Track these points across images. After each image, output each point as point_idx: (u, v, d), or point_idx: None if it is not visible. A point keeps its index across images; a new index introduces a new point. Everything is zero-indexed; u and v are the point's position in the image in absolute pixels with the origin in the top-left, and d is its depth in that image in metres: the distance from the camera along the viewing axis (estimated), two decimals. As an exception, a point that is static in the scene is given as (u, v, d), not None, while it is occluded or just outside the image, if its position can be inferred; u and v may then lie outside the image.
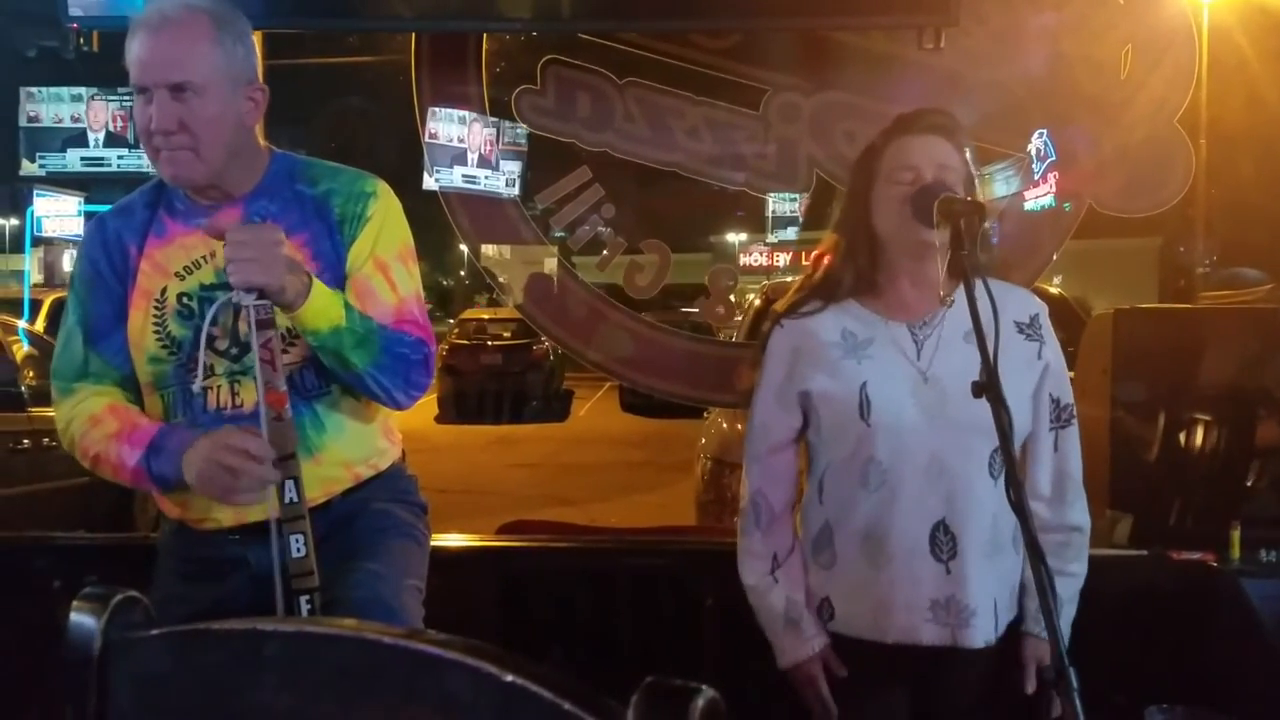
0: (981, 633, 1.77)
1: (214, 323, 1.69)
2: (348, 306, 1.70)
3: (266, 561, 1.65)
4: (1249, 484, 2.92)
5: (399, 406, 1.81)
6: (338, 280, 1.76)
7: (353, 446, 1.82)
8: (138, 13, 1.74)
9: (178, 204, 1.80)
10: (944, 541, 1.75)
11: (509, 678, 0.75)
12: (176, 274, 1.77)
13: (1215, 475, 2.89)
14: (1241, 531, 2.38)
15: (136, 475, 1.72)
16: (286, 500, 1.63)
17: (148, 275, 1.78)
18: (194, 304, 1.76)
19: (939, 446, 1.74)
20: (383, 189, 1.84)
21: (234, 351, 1.75)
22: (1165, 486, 2.94)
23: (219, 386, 1.75)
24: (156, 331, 1.76)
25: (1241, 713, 2.09)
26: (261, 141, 1.84)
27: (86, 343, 1.80)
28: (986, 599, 1.78)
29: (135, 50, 1.69)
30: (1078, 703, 1.33)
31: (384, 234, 1.80)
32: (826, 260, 1.90)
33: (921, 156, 1.77)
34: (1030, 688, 1.81)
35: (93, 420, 1.76)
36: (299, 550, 1.63)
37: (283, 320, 1.67)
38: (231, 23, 1.73)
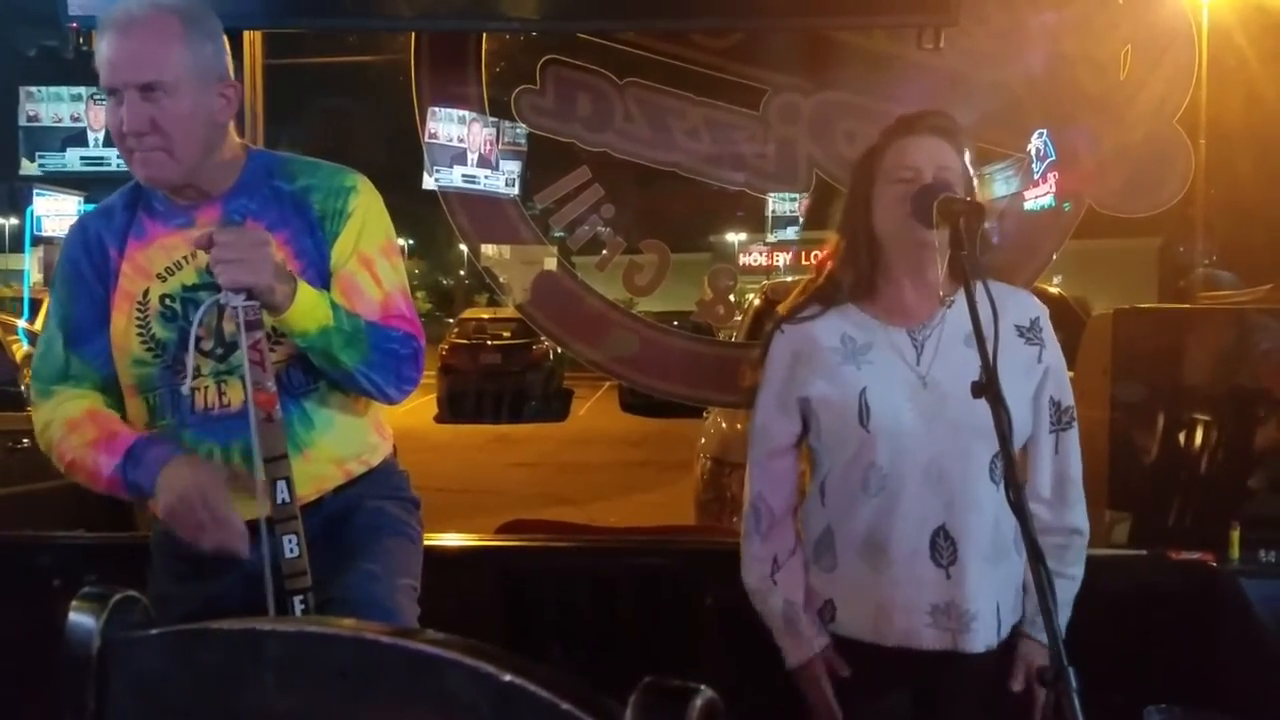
0: (982, 637, 1.78)
1: (199, 324, 1.69)
2: (334, 305, 1.70)
3: (259, 561, 1.65)
4: (1248, 484, 2.91)
5: (391, 402, 1.81)
6: (321, 276, 1.76)
7: (343, 443, 1.82)
8: (105, 14, 1.73)
9: (156, 204, 1.79)
10: (944, 547, 1.75)
11: (507, 677, 0.75)
12: (158, 275, 1.76)
13: (1215, 475, 2.88)
14: (1241, 532, 2.38)
15: (111, 483, 1.71)
16: (278, 501, 1.63)
17: (129, 277, 1.77)
18: (177, 305, 1.75)
19: (939, 451, 1.74)
20: (363, 183, 1.83)
21: (219, 351, 1.74)
22: (1165, 486, 2.94)
23: (206, 387, 1.75)
24: (140, 334, 1.75)
25: (1240, 713, 2.09)
26: (236, 139, 1.83)
27: (67, 345, 1.79)
28: (988, 603, 1.77)
29: (104, 51, 1.69)
30: (1076, 703, 1.32)
31: (367, 229, 1.79)
32: (824, 262, 1.90)
33: (922, 157, 1.77)
34: (1018, 686, 1.81)
35: (70, 425, 1.75)
36: (292, 550, 1.63)
37: (268, 320, 1.66)
38: (200, 21, 1.72)
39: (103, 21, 1.71)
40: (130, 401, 1.81)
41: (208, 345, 1.74)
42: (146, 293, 1.76)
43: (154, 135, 1.68)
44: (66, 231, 1.89)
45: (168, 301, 1.75)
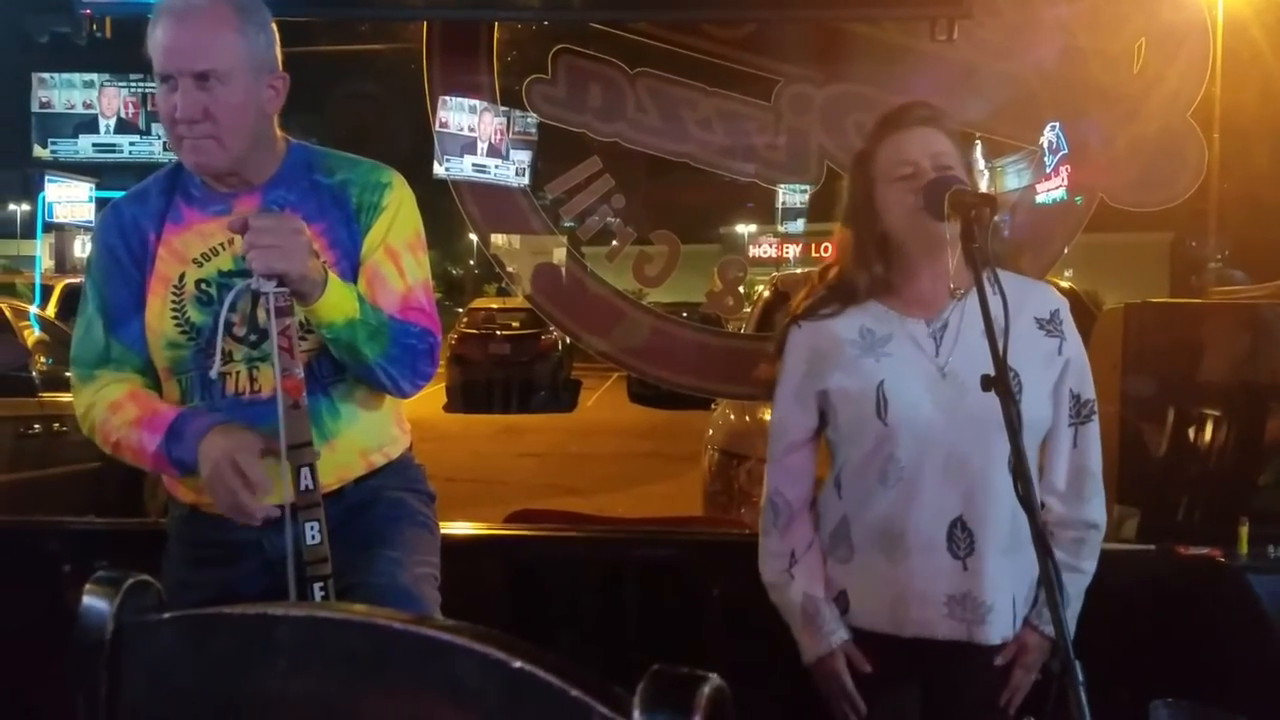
0: (998, 629, 1.77)
1: (232, 309, 1.70)
2: (361, 299, 1.72)
3: (280, 547, 1.66)
4: (1258, 480, 2.91)
5: (404, 395, 1.83)
6: (354, 268, 1.78)
7: (367, 434, 1.84)
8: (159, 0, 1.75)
9: (194, 191, 1.81)
10: (961, 538, 1.75)
11: (517, 664, 0.76)
12: (194, 260, 1.78)
13: (1224, 471, 2.88)
14: (1249, 527, 2.37)
15: (158, 460, 1.73)
16: (302, 487, 1.64)
17: (165, 262, 1.79)
18: (213, 290, 1.76)
19: (957, 443, 1.74)
20: (398, 180, 1.85)
21: (252, 338, 1.76)
22: (1174, 481, 2.94)
23: (237, 372, 1.76)
24: (175, 317, 1.77)
25: (1247, 708, 2.09)
26: (279, 130, 1.85)
27: (107, 330, 1.81)
28: (1004, 595, 1.77)
29: (159, 38, 1.70)
30: (1084, 697, 1.33)
31: (397, 223, 1.81)
32: (836, 256, 1.90)
33: (916, 150, 1.76)
34: (1020, 678, 1.81)
35: (113, 407, 1.77)
36: (314, 537, 1.64)
37: (297, 310, 1.68)
38: (254, 11, 1.74)
39: (159, 8, 1.72)
40: (165, 384, 1.83)
41: (241, 331, 1.76)
42: (182, 277, 1.78)
43: (206, 123, 1.69)
44: (87, 216, 1.92)
45: (203, 286, 1.77)
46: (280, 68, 1.80)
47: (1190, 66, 2.92)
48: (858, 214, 1.84)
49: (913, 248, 1.79)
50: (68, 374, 1.95)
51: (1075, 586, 1.78)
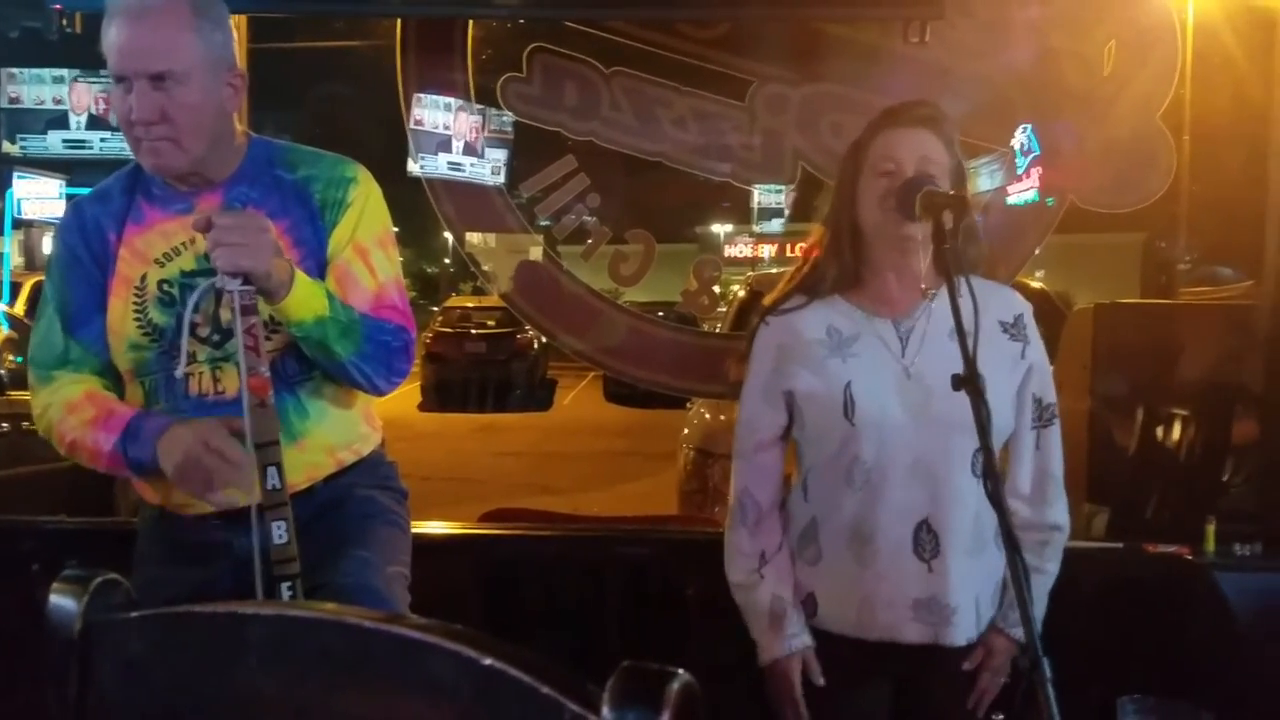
0: (963, 631, 1.79)
1: (195, 309, 1.68)
2: (330, 296, 1.70)
3: (249, 547, 1.65)
4: (1225, 479, 2.94)
5: (380, 393, 1.82)
6: (319, 267, 1.76)
7: (335, 432, 1.82)
8: None
9: (155, 190, 1.79)
10: (926, 540, 1.76)
11: (488, 661, 0.76)
12: (156, 261, 1.76)
13: (1192, 470, 2.92)
14: (1216, 525, 2.40)
15: (113, 460, 1.71)
16: (269, 487, 1.63)
17: (127, 262, 1.76)
18: (175, 290, 1.74)
19: (922, 445, 1.75)
20: (363, 174, 1.83)
21: (215, 338, 1.74)
22: (1142, 480, 2.97)
23: (200, 373, 1.75)
24: (137, 319, 1.75)
25: (1213, 705, 2.12)
26: (239, 127, 1.83)
27: (65, 330, 1.79)
28: (968, 597, 1.79)
29: (113, 38, 1.67)
30: (1051, 693, 1.34)
31: (364, 219, 1.79)
32: (814, 243, 1.90)
33: (904, 150, 1.77)
34: (987, 681, 1.82)
35: (70, 407, 1.75)
36: (281, 537, 1.63)
37: (264, 309, 1.66)
38: (209, 8, 1.71)
39: (112, 6, 1.69)
40: (128, 386, 1.81)
41: (204, 332, 1.74)
42: (144, 278, 1.75)
43: (163, 125, 1.67)
44: (57, 212, 1.89)
45: (165, 287, 1.75)
46: (238, 64, 1.78)
47: (1160, 70, 2.95)
48: (841, 201, 1.85)
49: (880, 245, 1.80)
50: None
51: (1040, 588, 1.80)
